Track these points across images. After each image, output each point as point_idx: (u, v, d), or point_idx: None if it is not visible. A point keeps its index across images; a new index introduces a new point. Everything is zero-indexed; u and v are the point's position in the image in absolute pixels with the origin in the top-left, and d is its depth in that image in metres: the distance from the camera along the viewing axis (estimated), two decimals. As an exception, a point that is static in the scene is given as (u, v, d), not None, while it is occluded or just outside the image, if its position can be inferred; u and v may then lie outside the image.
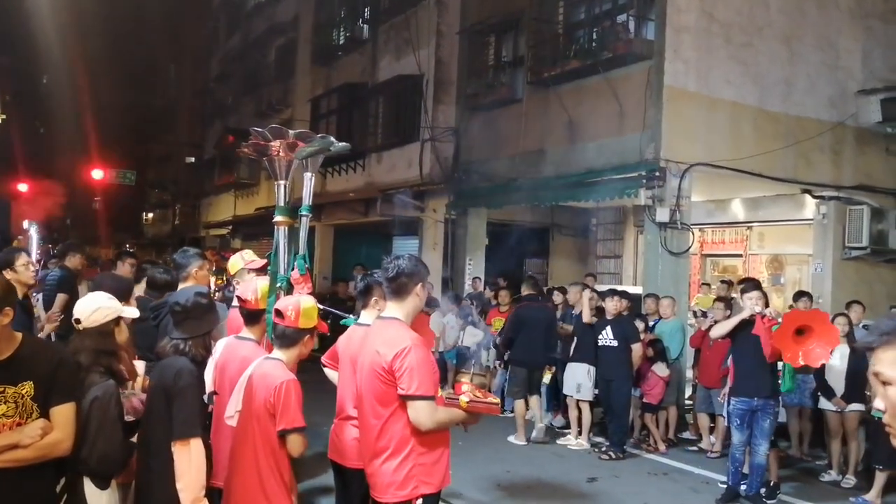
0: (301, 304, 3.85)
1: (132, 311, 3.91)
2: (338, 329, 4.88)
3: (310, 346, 3.99)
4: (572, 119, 13.10)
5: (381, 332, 3.76)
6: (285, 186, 4.85)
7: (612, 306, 9.47)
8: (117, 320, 3.73)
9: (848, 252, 13.18)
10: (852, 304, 9.64)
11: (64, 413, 3.26)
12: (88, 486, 3.45)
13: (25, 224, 41.98)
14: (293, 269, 4.77)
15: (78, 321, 3.62)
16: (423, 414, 3.56)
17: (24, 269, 6.08)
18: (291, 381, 3.74)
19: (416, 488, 3.63)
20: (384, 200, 17.41)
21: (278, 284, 4.59)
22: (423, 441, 3.66)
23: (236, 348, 4.32)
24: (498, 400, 4.10)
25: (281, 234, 4.80)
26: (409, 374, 3.55)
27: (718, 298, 9.87)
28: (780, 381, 7.46)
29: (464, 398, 3.80)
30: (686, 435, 10.35)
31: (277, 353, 3.90)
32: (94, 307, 3.65)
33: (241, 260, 5.48)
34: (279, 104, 25.40)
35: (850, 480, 8.29)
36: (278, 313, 3.90)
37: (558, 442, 9.83)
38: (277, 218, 4.82)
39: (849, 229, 13.09)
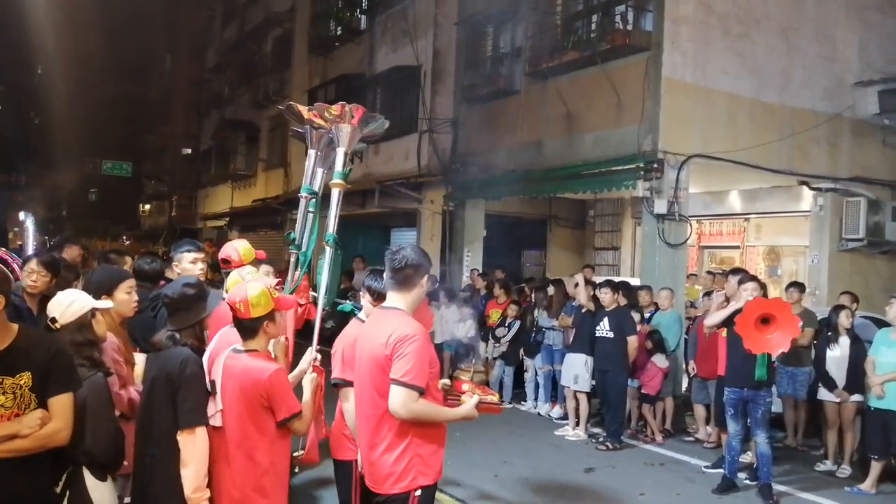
0: (248, 294, 3.73)
1: (104, 304, 3.91)
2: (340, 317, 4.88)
3: (282, 326, 3.92)
4: (570, 110, 13.09)
5: (385, 322, 3.70)
6: (345, 154, 4.89)
7: (602, 298, 9.52)
8: (93, 312, 3.75)
9: (844, 244, 13.22)
10: (844, 294, 9.64)
11: (62, 403, 3.28)
12: (89, 479, 3.48)
13: (21, 216, 42.01)
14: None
15: (54, 320, 3.63)
16: (399, 400, 3.51)
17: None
18: (277, 370, 3.73)
19: (415, 479, 3.63)
20: (382, 192, 17.40)
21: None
22: (421, 433, 3.65)
23: (227, 336, 4.22)
24: (497, 397, 4.09)
25: (334, 198, 4.81)
26: (404, 360, 3.53)
27: (711, 291, 9.88)
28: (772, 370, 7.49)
29: (466, 398, 3.82)
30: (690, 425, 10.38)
31: (249, 343, 3.80)
32: (68, 302, 3.68)
33: (251, 250, 5.30)
34: (276, 95, 25.34)
35: (846, 470, 8.32)
36: (231, 308, 3.82)
37: (556, 433, 9.84)
38: (335, 180, 4.81)
39: (845, 221, 13.14)
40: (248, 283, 3.78)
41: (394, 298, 3.81)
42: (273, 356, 4.02)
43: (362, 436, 3.79)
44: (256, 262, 5.28)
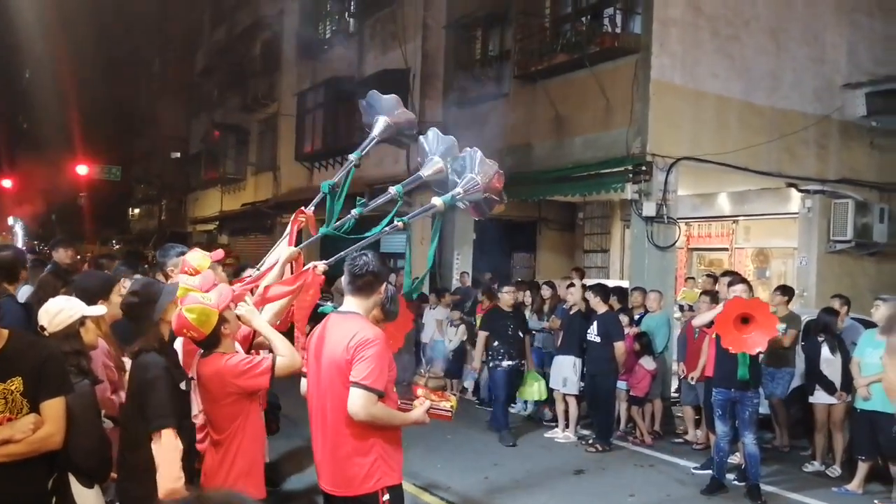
0: (190, 319, 3.65)
1: (97, 310, 3.90)
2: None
3: (237, 324, 3.89)
4: (559, 113, 13.12)
5: (343, 327, 3.76)
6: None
7: (591, 302, 9.56)
8: (83, 320, 3.74)
9: (832, 245, 13.28)
10: (835, 297, 9.67)
11: (54, 407, 3.29)
12: (75, 486, 3.48)
13: (10, 220, 41.79)
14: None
15: (43, 328, 3.63)
16: (359, 403, 3.57)
17: None
18: (227, 364, 3.70)
19: (381, 480, 3.69)
20: (372, 195, 17.38)
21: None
22: (384, 435, 3.72)
23: None
24: (453, 402, 4.14)
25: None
26: (364, 363, 3.59)
27: (704, 292, 9.92)
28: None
29: (417, 403, 3.91)
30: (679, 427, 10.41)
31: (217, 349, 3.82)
32: (56, 311, 3.67)
33: (205, 256, 4.94)
34: (265, 98, 25.34)
35: (836, 470, 8.37)
36: (185, 337, 3.80)
37: (545, 435, 9.85)
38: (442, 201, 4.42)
39: (833, 223, 13.20)
40: (183, 308, 3.67)
41: (351, 303, 3.86)
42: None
43: (323, 439, 3.79)
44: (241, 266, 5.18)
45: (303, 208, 4.47)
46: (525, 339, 10.06)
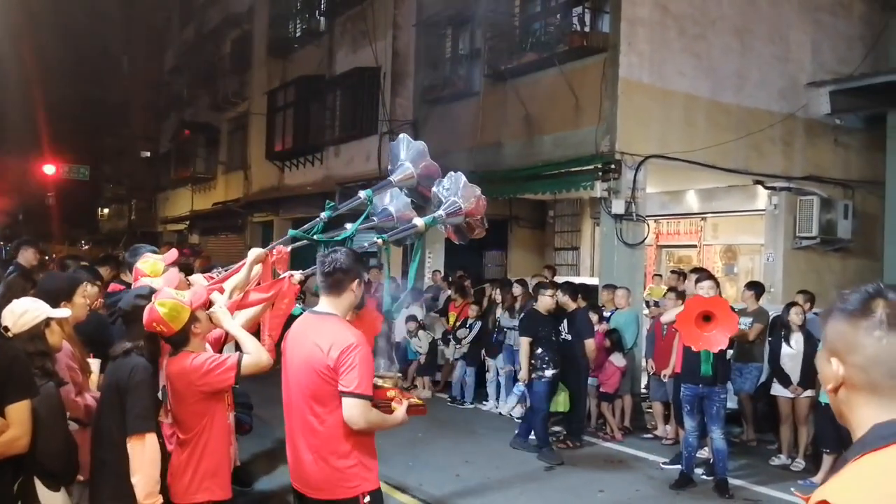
0: (161, 314, 3.65)
1: (62, 312, 3.89)
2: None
3: (208, 324, 3.88)
4: (529, 112, 13.17)
5: (320, 328, 3.69)
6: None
7: (560, 300, 9.60)
8: (47, 322, 3.73)
9: (798, 242, 13.43)
10: (799, 293, 9.84)
11: (19, 410, 3.27)
12: (40, 489, 3.46)
13: (-24, 220, 41.28)
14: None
15: (7, 329, 3.60)
16: (357, 412, 3.52)
17: None
18: (195, 362, 3.70)
19: (360, 485, 3.64)
20: (343, 194, 17.37)
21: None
22: (359, 438, 3.66)
23: None
24: (421, 400, 4.17)
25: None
26: (353, 371, 3.53)
27: (670, 289, 10.04)
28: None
29: (396, 405, 3.87)
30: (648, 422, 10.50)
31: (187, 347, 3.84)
32: (21, 312, 3.65)
33: (159, 259, 4.84)
34: (235, 97, 25.20)
35: (800, 464, 8.51)
36: (155, 332, 3.79)
37: (516, 432, 9.89)
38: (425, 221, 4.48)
39: (799, 219, 13.34)
40: (155, 302, 3.68)
41: (325, 303, 3.78)
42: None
43: (296, 441, 3.75)
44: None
45: (275, 244, 4.45)
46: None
